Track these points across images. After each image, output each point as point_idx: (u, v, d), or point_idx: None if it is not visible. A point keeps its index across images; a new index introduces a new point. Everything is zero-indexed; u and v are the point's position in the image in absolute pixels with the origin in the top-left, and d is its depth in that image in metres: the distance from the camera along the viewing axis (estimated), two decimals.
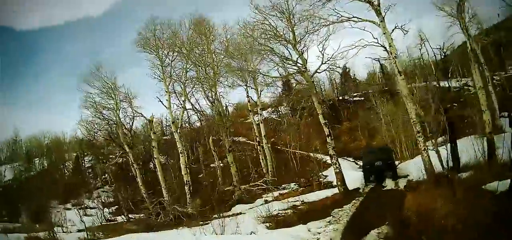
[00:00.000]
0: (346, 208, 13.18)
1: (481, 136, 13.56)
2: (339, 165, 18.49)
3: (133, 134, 34.66)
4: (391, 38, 14.32)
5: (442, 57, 45.71)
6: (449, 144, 13.64)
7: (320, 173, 23.20)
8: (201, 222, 17.37)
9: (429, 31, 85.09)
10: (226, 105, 29.06)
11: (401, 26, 14.28)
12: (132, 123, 31.80)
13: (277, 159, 35.80)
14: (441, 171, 12.55)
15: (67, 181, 44.04)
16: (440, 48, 45.35)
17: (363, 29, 14.95)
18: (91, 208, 35.96)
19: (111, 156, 42.17)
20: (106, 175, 43.66)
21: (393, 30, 14.36)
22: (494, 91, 23.60)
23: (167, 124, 38.91)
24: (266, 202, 21.52)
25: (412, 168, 20.06)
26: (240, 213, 18.37)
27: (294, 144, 34.67)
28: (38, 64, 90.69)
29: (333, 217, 12.04)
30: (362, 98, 47.73)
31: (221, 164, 34.84)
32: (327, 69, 18.78)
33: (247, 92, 31.16)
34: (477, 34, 22.61)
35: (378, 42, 14.66)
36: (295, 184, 23.42)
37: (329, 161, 32.30)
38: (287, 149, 34.86)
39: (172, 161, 39.30)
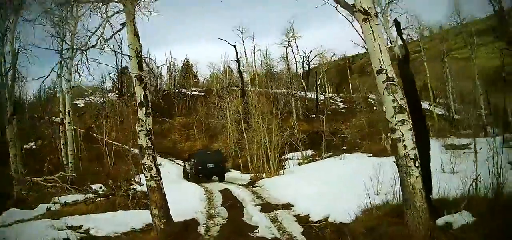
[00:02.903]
0: None
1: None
2: (159, 172, 8.99)
3: None
4: None
5: (307, 65, 44.58)
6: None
7: (135, 178, 17.15)
8: None
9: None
10: (17, 50, 20.52)
11: None
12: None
13: (90, 150, 28.97)
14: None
15: None
16: (304, 56, 43.97)
17: None
18: None
19: None
20: None
21: None
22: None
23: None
24: (49, 210, 14.89)
25: (291, 192, 13.24)
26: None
27: (114, 133, 27.93)
28: None
29: None
30: (203, 93, 43.62)
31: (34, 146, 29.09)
32: None
33: (62, 46, 22.42)
34: None
35: None
36: (99, 188, 16.98)
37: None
38: (102, 137, 27.86)
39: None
